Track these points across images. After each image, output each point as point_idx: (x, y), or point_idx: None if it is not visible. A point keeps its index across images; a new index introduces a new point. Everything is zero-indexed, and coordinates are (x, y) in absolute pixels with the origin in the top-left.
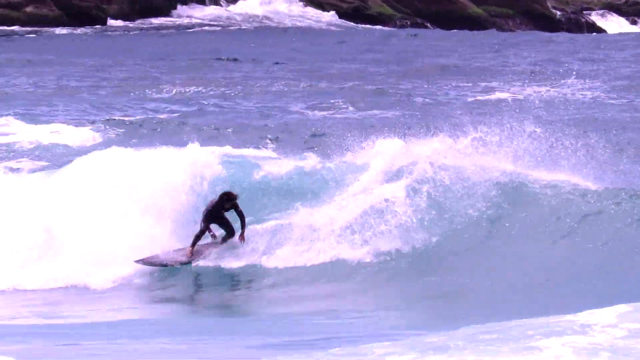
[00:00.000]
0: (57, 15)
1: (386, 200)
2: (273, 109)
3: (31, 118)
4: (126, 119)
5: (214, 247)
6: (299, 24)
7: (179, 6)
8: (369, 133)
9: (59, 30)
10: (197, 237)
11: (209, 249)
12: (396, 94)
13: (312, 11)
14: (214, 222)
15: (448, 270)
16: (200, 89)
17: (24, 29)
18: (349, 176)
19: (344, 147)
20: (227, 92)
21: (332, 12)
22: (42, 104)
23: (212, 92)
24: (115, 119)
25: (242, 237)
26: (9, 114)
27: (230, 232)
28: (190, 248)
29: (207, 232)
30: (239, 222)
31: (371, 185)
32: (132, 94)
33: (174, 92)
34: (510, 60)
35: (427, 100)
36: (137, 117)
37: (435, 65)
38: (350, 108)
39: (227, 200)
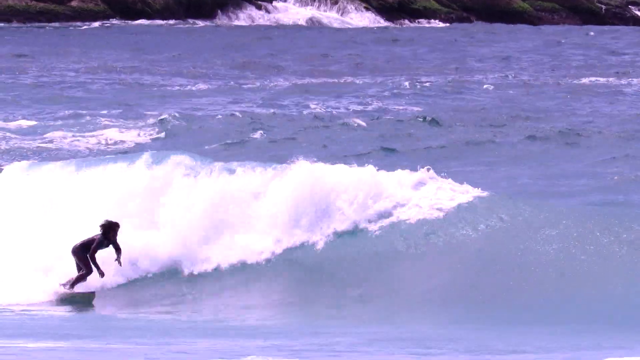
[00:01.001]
0: (102, 9)
1: None
2: None
3: None
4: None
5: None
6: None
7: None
8: None
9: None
10: (79, 280)
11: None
12: None
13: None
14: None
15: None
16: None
17: (78, 23)
18: None
19: None
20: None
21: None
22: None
23: None
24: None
25: (119, 262)
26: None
27: (86, 274)
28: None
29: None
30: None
31: None
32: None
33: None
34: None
35: None
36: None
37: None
38: None
39: (116, 230)
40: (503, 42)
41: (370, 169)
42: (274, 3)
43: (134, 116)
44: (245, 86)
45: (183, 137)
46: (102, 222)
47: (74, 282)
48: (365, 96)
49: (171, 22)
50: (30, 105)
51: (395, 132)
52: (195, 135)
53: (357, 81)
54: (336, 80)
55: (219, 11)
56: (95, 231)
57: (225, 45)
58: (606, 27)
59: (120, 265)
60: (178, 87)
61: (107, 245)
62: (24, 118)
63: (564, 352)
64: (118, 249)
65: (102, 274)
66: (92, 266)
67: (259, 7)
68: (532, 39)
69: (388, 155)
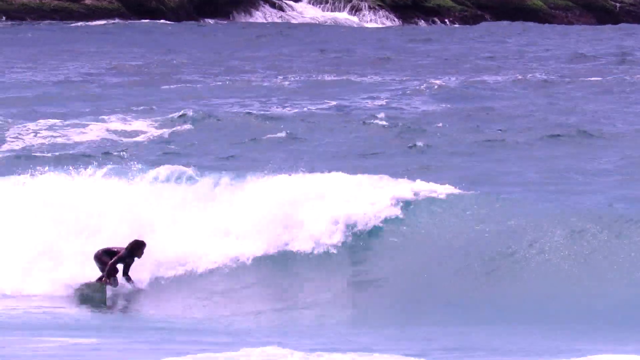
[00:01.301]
0: (116, 8)
1: None
2: None
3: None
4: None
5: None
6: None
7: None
8: None
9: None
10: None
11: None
12: None
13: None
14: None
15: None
16: None
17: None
18: None
19: None
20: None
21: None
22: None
23: None
24: None
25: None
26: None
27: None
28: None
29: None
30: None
31: None
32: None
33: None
34: None
35: None
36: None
37: None
38: None
39: (142, 250)
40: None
41: (339, 175)
42: (289, 2)
43: (156, 113)
44: (264, 84)
45: (200, 136)
46: (132, 241)
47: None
48: (385, 94)
49: (189, 22)
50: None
51: (414, 131)
52: (213, 134)
53: (378, 78)
54: (355, 78)
55: (233, 11)
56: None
57: (245, 42)
58: None
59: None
60: (199, 85)
61: (129, 264)
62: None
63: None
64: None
65: (115, 284)
66: (106, 272)
67: (272, 6)
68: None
69: (406, 153)
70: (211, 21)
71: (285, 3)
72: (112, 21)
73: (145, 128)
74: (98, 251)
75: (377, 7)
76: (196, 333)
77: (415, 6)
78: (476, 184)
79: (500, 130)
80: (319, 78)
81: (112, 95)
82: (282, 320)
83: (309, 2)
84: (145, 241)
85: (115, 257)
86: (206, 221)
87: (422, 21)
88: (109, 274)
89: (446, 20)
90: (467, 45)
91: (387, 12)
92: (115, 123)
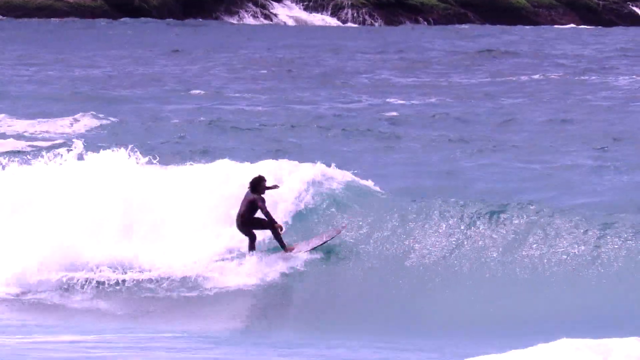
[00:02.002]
0: (99, 5)
1: None
2: None
3: None
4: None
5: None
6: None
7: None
8: None
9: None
10: (278, 236)
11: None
12: None
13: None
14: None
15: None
16: None
17: (107, 20)
18: None
19: None
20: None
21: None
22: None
23: None
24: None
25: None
26: None
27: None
28: (287, 247)
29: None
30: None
31: None
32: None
33: None
34: None
35: None
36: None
37: None
38: None
39: (263, 184)
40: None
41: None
42: (269, 3)
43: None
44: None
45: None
46: (250, 179)
47: (280, 242)
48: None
49: (169, 20)
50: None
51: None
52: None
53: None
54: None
55: (219, 10)
56: None
57: (250, 40)
58: None
59: (281, 229)
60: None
61: (262, 201)
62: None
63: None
64: (275, 186)
65: (277, 225)
66: (269, 219)
67: (255, 4)
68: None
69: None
70: (198, 20)
71: (270, 3)
72: (100, 20)
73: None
74: (237, 222)
75: (360, 5)
76: None
77: (399, 4)
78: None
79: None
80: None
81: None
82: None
83: (292, 2)
84: (262, 175)
85: (260, 204)
86: None
87: (406, 20)
88: (273, 221)
89: (430, 18)
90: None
91: (370, 10)
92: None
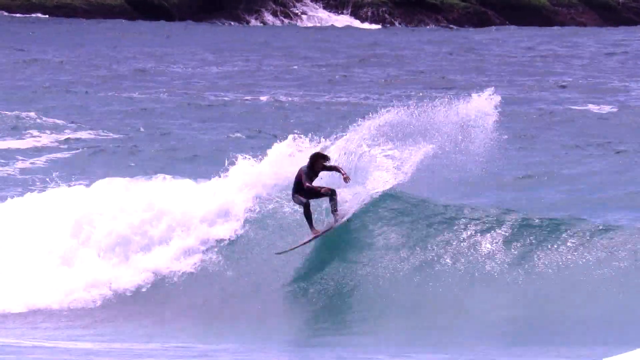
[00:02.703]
0: (119, 4)
1: None
2: None
3: None
4: None
5: (334, 222)
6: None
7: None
8: None
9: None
10: (308, 215)
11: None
12: None
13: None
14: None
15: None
16: None
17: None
18: None
19: None
20: None
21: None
22: None
23: None
24: None
25: (347, 178)
26: None
27: (332, 192)
28: (311, 229)
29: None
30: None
31: None
32: None
33: None
34: None
35: None
36: None
37: None
38: None
39: (321, 159)
40: None
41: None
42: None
43: None
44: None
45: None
46: (311, 153)
47: (333, 209)
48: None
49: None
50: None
51: None
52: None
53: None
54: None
55: (239, 11)
56: None
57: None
58: None
59: (348, 180)
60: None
61: (316, 175)
62: None
63: None
64: (336, 169)
65: (331, 190)
66: (312, 192)
67: (275, 2)
68: None
69: None
70: (220, 21)
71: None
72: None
73: None
74: (293, 194)
75: (379, 4)
76: None
77: (418, 2)
78: None
79: None
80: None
81: None
82: None
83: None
84: (324, 154)
85: (303, 178)
86: None
87: (428, 20)
88: (316, 192)
89: (449, 17)
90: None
91: (389, 9)
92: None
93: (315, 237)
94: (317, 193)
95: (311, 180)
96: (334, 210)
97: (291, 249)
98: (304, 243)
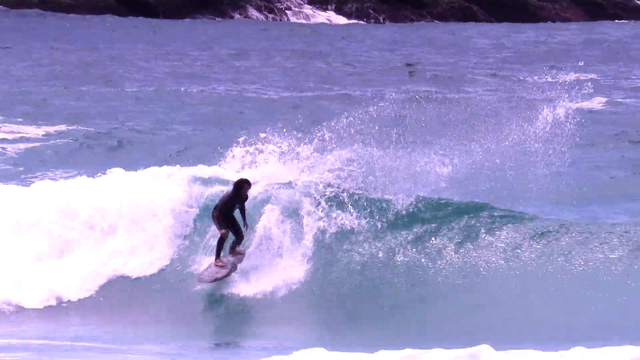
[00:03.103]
0: (107, 2)
1: None
2: None
3: None
4: None
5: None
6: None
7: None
8: None
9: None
10: (220, 244)
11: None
12: None
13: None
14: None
15: None
16: None
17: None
18: None
19: None
20: None
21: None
22: None
23: None
24: None
25: (245, 225)
26: None
27: (240, 235)
28: (217, 259)
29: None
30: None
31: None
32: None
33: None
34: None
35: None
36: None
37: None
38: None
39: (246, 187)
40: None
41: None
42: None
43: None
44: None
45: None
46: (236, 180)
47: (232, 249)
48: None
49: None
50: None
51: None
52: None
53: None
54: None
55: (229, 8)
56: None
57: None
58: None
59: (246, 227)
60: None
61: (241, 203)
62: None
63: None
64: (243, 212)
65: (224, 232)
66: (217, 222)
67: (267, 3)
68: None
69: None
70: (208, 18)
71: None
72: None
73: None
74: (213, 212)
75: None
76: None
77: None
78: None
79: None
80: None
81: None
82: None
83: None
84: (247, 179)
85: (220, 200)
86: None
87: (413, 16)
88: (218, 223)
89: (434, 11)
90: None
91: (373, 4)
92: None
93: (220, 269)
94: (218, 222)
95: (233, 208)
96: (233, 248)
97: (212, 281)
98: (224, 276)
